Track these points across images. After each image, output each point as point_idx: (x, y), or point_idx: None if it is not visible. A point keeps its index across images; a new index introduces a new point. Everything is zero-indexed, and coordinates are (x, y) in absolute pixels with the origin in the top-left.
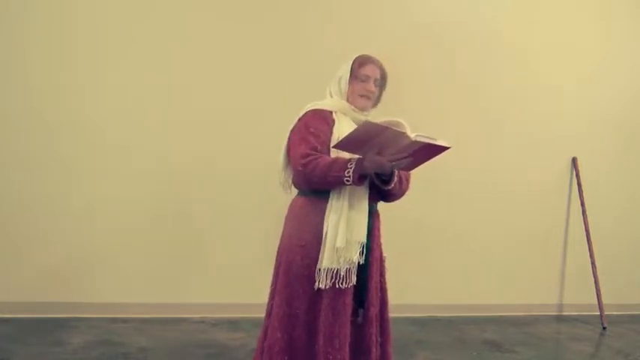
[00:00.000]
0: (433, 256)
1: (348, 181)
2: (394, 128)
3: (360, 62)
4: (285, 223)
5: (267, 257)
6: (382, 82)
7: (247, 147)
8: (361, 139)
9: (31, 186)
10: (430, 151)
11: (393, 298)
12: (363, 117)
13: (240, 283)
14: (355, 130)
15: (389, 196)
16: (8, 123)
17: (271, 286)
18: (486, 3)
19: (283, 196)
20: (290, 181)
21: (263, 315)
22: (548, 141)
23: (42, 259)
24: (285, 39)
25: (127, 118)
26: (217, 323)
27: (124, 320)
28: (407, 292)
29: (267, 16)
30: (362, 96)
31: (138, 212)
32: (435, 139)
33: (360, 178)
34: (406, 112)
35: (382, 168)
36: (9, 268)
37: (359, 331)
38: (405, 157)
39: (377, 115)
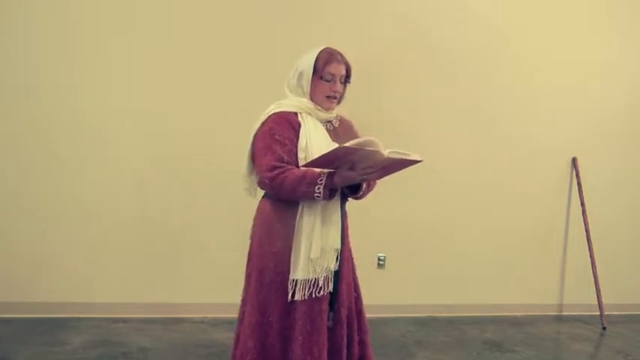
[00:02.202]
0: (433, 256)
1: (318, 197)
2: (367, 148)
3: (325, 60)
4: (255, 227)
5: None
6: (347, 78)
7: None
8: (335, 160)
9: (29, 187)
10: (402, 163)
11: (393, 298)
12: (328, 115)
13: (240, 283)
14: (328, 153)
15: (356, 198)
16: (7, 125)
17: (243, 292)
18: (485, 2)
19: None
20: (255, 186)
21: None
22: (548, 141)
23: (42, 259)
24: (276, 38)
25: (125, 118)
26: (217, 323)
27: (124, 320)
28: (407, 292)
29: (265, 15)
30: (328, 97)
31: (138, 212)
32: (408, 154)
33: (331, 193)
34: (405, 113)
35: (352, 182)
36: (9, 268)
37: (331, 334)
38: (376, 171)
39: (355, 112)
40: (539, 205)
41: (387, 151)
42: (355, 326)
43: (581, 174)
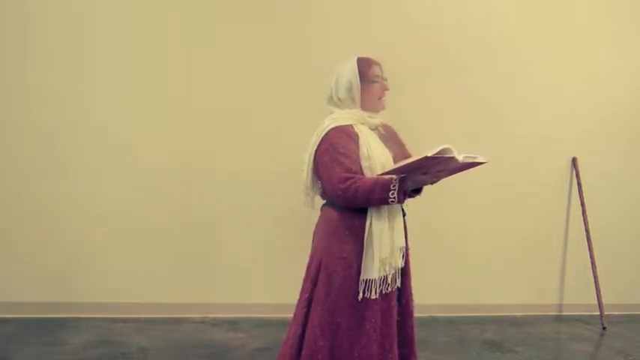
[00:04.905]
0: (433, 256)
1: (392, 201)
2: (446, 156)
3: (366, 65)
4: (321, 234)
5: (268, 258)
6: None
7: (249, 147)
8: (417, 168)
9: (30, 187)
10: (469, 165)
11: None
12: (375, 121)
13: (240, 283)
14: (413, 162)
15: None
16: (4, 124)
17: (304, 293)
18: (486, 2)
19: (284, 197)
20: (314, 198)
21: (263, 315)
22: (548, 141)
23: (42, 260)
24: (287, 39)
25: (127, 117)
26: (217, 323)
27: (124, 320)
28: None
29: (267, 16)
30: (380, 98)
31: (138, 212)
32: (476, 157)
33: (404, 197)
34: (405, 113)
35: (423, 185)
36: (9, 268)
37: (400, 327)
38: (445, 174)
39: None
40: (539, 205)
41: (461, 157)
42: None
43: (581, 174)
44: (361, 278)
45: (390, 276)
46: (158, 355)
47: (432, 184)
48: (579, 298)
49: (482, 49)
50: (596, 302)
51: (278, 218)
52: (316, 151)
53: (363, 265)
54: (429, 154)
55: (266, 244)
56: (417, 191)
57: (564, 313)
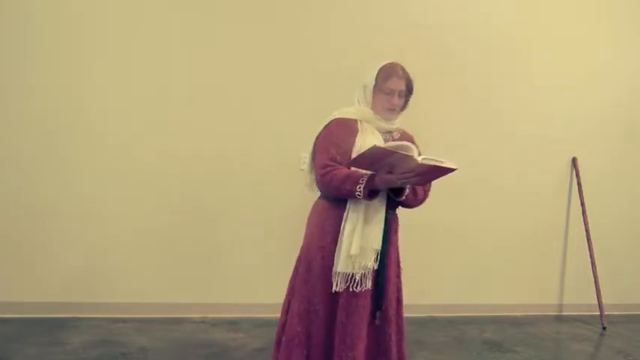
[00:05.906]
0: (432, 255)
1: (359, 195)
2: (401, 152)
3: (385, 75)
4: (308, 224)
5: (268, 257)
6: (407, 91)
7: (249, 147)
8: (371, 160)
9: (31, 187)
10: (438, 171)
11: None
12: (387, 125)
13: (240, 283)
14: (365, 152)
15: (404, 205)
16: (4, 124)
17: (290, 282)
18: (486, 2)
19: (285, 197)
20: (315, 183)
21: (263, 315)
22: (548, 141)
23: (42, 259)
24: (287, 39)
25: (127, 117)
26: (217, 323)
27: (124, 320)
28: (406, 292)
29: (267, 16)
30: (386, 109)
31: (138, 212)
32: (442, 162)
33: (371, 194)
34: (405, 113)
35: (392, 185)
36: (9, 268)
37: (378, 332)
38: (414, 177)
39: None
40: (539, 205)
41: (420, 158)
42: (395, 328)
43: (581, 174)
44: (333, 270)
45: (360, 275)
46: (158, 355)
47: (402, 186)
48: (579, 298)
49: (482, 49)
50: (596, 302)
51: (278, 218)
52: (317, 136)
53: (335, 257)
54: (379, 145)
55: (266, 244)
56: (397, 194)
57: (564, 313)
